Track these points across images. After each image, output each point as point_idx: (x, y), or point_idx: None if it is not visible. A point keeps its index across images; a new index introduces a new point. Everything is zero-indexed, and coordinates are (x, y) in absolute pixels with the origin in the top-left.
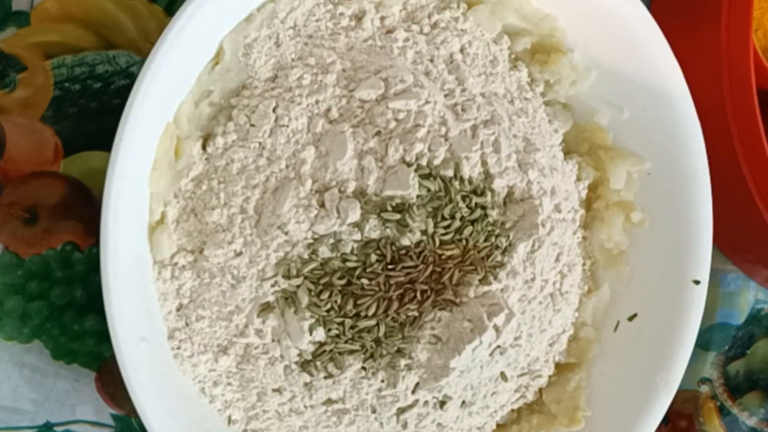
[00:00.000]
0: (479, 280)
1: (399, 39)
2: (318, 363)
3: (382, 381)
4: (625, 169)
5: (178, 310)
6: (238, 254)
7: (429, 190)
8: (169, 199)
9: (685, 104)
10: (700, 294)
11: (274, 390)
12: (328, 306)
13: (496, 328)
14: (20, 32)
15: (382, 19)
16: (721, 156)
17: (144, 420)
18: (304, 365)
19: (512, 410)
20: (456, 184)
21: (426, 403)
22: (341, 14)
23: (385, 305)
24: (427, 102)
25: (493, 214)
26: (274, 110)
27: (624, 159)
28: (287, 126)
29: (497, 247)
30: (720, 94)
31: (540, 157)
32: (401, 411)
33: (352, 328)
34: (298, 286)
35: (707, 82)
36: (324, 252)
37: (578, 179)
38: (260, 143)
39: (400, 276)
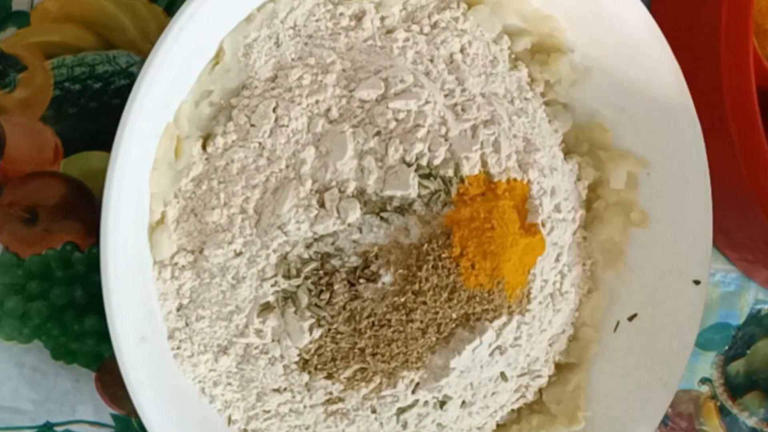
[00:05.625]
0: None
1: (399, 39)
2: (318, 363)
3: (382, 381)
4: (625, 169)
5: (178, 310)
6: (238, 254)
7: (429, 189)
8: (169, 199)
9: (685, 104)
10: (700, 294)
11: (274, 390)
12: (328, 307)
13: (496, 329)
14: (20, 32)
15: (382, 19)
16: (721, 156)
17: (144, 420)
18: (304, 365)
19: (512, 410)
20: (456, 184)
21: (426, 403)
22: (341, 14)
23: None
24: (427, 102)
25: None
26: (274, 110)
27: (624, 159)
28: (287, 126)
29: None
30: (720, 94)
31: (540, 157)
32: (401, 411)
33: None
34: (298, 286)
35: (707, 82)
36: (324, 252)
37: (578, 179)
38: (260, 143)
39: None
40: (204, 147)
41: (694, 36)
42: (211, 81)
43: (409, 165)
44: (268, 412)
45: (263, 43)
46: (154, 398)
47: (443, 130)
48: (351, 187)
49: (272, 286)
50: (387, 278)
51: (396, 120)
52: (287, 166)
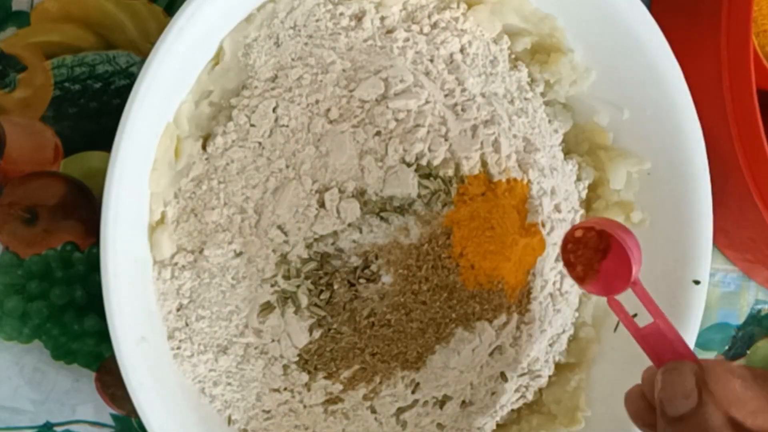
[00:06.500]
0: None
1: (399, 39)
2: (318, 363)
3: (382, 381)
4: (625, 169)
5: (178, 310)
6: (238, 254)
7: (429, 189)
8: (169, 199)
9: (685, 104)
10: (700, 294)
11: (273, 390)
12: (328, 307)
13: (496, 329)
14: (20, 32)
15: (382, 19)
16: (721, 156)
17: (144, 420)
18: (304, 365)
19: (512, 410)
20: (456, 184)
21: (426, 402)
22: (341, 14)
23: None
24: (427, 102)
25: None
26: (274, 110)
27: (624, 159)
28: (287, 126)
29: None
30: (720, 94)
31: (540, 157)
32: (401, 411)
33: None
34: (298, 286)
35: (707, 82)
36: (324, 252)
37: (578, 179)
38: (260, 143)
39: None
40: (204, 147)
41: (694, 35)
42: (211, 81)
43: (409, 165)
44: (268, 412)
45: (263, 43)
46: (154, 398)
47: (443, 130)
48: (351, 187)
49: (272, 286)
50: (387, 278)
51: (396, 120)
52: (287, 166)
